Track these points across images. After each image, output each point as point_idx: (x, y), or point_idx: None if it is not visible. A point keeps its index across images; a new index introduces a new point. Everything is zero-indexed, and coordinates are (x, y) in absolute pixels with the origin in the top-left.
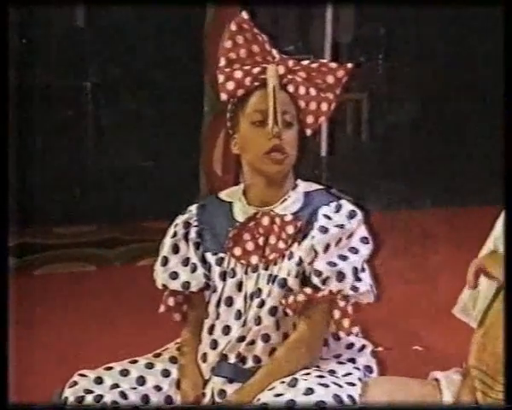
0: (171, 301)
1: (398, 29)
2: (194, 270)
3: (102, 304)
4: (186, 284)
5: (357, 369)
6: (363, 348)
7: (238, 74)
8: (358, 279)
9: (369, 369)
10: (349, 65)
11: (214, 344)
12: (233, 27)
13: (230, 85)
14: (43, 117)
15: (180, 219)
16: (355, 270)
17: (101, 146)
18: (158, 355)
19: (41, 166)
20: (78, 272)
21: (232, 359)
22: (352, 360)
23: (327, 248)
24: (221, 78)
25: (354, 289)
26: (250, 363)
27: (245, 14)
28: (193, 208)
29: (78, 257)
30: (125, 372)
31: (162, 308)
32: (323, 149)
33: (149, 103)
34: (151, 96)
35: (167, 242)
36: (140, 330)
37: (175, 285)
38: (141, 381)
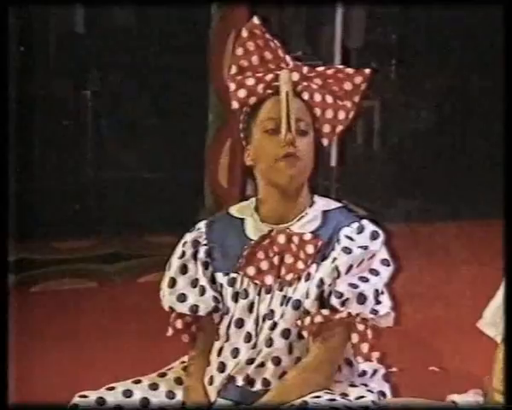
0: (178, 324)
1: (410, 34)
2: (202, 293)
3: (103, 321)
4: (194, 308)
5: (371, 392)
6: (374, 372)
7: (250, 82)
8: (378, 302)
9: (382, 394)
10: (367, 70)
11: (222, 367)
12: (244, 34)
13: (242, 93)
14: (42, 128)
15: (188, 238)
16: (376, 292)
17: (101, 158)
18: (163, 375)
19: (39, 179)
20: (78, 289)
21: (240, 381)
22: (365, 385)
23: (349, 269)
24: (232, 85)
25: (374, 312)
26: (258, 386)
27: (256, 20)
28: (202, 226)
29: (78, 273)
30: (128, 393)
31: (170, 332)
32: (333, 159)
33: (152, 113)
34: (153, 105)
35: (175, 262)
36: (143, 348)
37: (182, 309)
38: (145, 402)
